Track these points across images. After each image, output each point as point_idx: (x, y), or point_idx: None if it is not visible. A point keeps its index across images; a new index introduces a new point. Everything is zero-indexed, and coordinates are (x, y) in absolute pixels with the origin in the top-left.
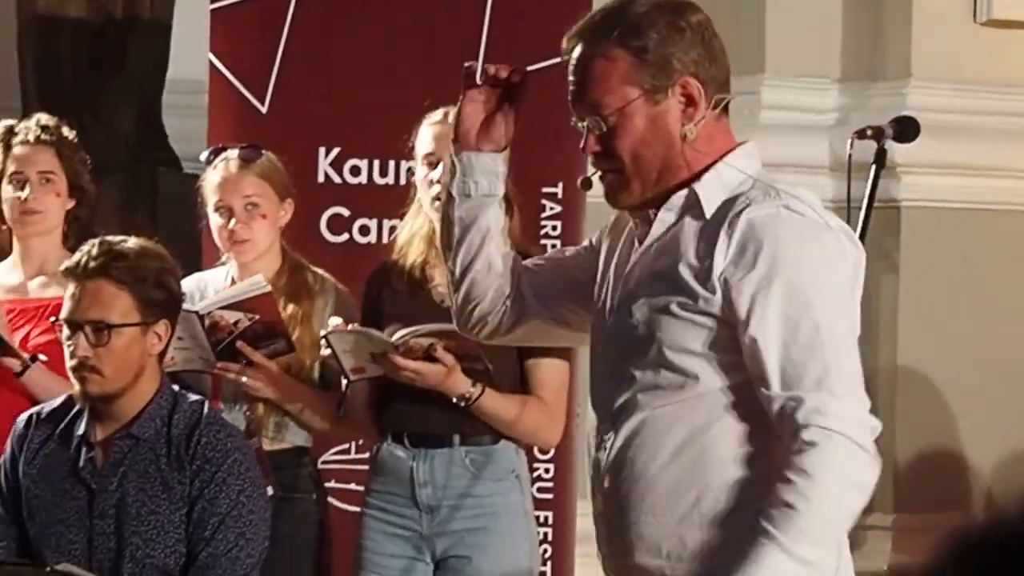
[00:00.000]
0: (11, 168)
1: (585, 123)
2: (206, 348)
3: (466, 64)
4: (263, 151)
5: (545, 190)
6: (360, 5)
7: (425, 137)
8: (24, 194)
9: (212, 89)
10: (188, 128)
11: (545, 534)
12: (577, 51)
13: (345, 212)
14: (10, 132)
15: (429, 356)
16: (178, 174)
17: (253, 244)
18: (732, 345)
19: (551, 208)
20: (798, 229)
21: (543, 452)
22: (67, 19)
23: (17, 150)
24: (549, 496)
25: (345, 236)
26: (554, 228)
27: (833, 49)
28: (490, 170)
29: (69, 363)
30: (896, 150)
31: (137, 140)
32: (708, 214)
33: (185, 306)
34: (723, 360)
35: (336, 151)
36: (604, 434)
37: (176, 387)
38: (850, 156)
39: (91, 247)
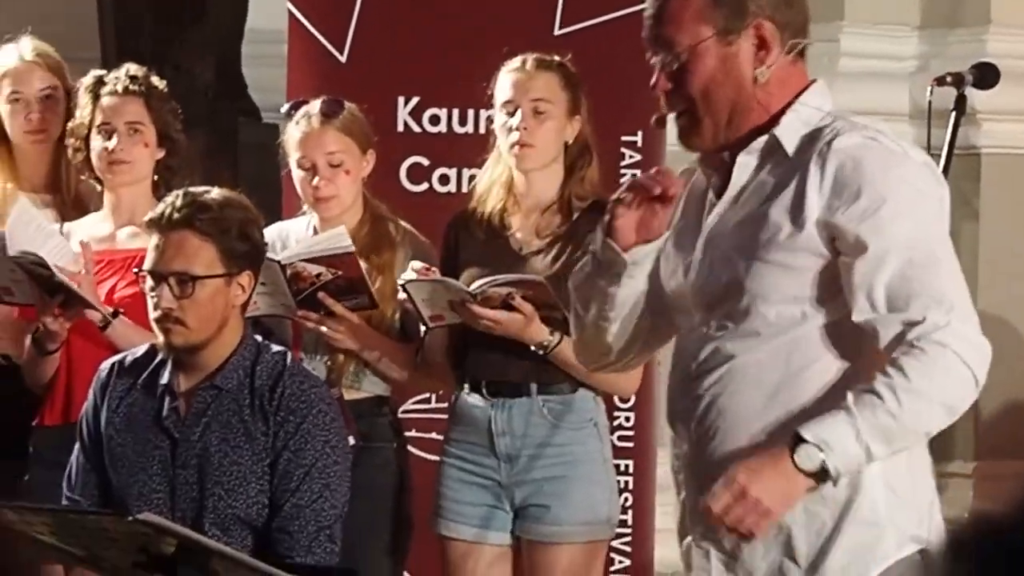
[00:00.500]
0: (99, 119)
1: (658, 60)
2: (287, 296)
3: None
4: (344, 104)
5: (624, 138)
6: None
7: (504, 84)
8: (112, 144)
9: (291, 39)
10: (267, 78)
11: (625, 483)
12: None
13: (425, 161)
14: (99, 82)
15: (507, 305)
16: (258, 124)
17: (338, 200)
18: (825, 284)
19: (630, 156)
20: (891, 159)
21: (623, 400)
22: None
23: (105, 100)
24: (629, 444)
25: (424, 185)
26: (634, 177)
27: None
28: (639, 261)
29: (153, 314)
30: (976, 97)
31: (217, 90)
32: (791, 152)
33: (268, 255)
34: (815, 301)
35: (415, 100)
36: (691, 385)
37: (259, 338)
38: (930, 103)
39: (175, 198)
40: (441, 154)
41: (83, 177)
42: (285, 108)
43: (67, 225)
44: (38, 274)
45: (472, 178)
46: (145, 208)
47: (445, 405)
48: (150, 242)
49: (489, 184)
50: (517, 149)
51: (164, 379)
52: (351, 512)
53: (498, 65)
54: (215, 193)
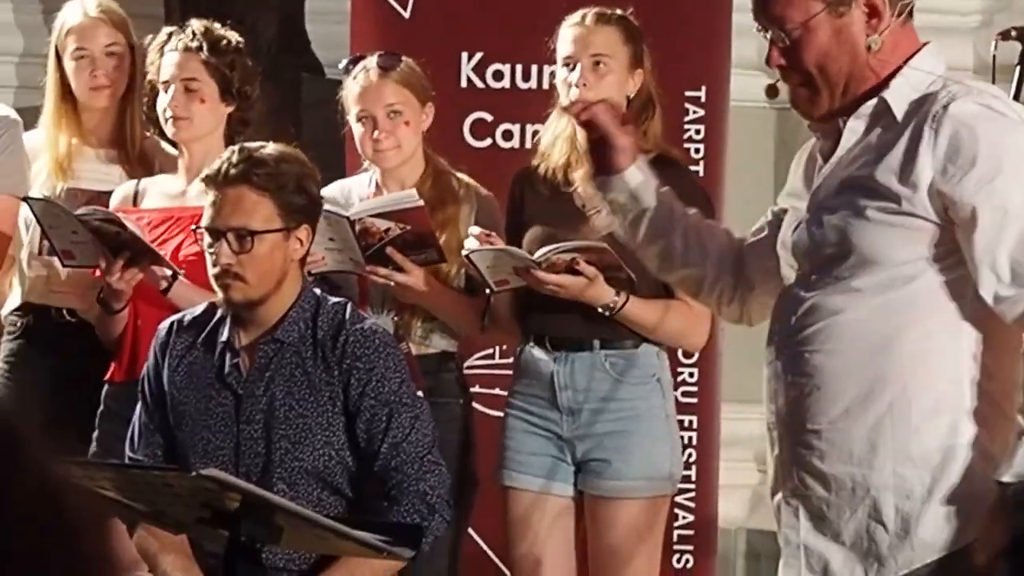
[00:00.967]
0: (161, 76)
1: (769, 35)
2: (356, 251)
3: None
4: (401, 56)
5: (688, 93)
6: None
7: (564, 39)
8: (167, 101)
9: None
10: (331, 34)
11: (689, 438)
12: None
13: (488, 117)
14: (167, 39)
15: (571, 269)
16: (321, 80)
17: (398, 152)
18: (930, 247)
19: (694, 112)
20: (1006, 127)
21: (687, 356)
22: None
23: (166, 57)
24: (693, 400)
25: (488, 141)
26: (697, 132)
27: None
28: (626, 188)
29: (212, 271)
30: None
31: (279, 46)
32: (899, 117)
33: (337, 211)
34: (918, 264)
35: (479, 56)
36: (789, 340)
37: (318, 290)
38: (994, 58)
39: (231, 154)
40: (504, 110)
41: (148, 134)
42: (343, 64)
43: (142, 182)
44: (104, 231)
45: (535, 134)
46: None
47: (509, 360)
48: (207, 199)
49: (552, 139)
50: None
51: (224, 336)
52: None
53: (560, 20)
54: (270, 148)
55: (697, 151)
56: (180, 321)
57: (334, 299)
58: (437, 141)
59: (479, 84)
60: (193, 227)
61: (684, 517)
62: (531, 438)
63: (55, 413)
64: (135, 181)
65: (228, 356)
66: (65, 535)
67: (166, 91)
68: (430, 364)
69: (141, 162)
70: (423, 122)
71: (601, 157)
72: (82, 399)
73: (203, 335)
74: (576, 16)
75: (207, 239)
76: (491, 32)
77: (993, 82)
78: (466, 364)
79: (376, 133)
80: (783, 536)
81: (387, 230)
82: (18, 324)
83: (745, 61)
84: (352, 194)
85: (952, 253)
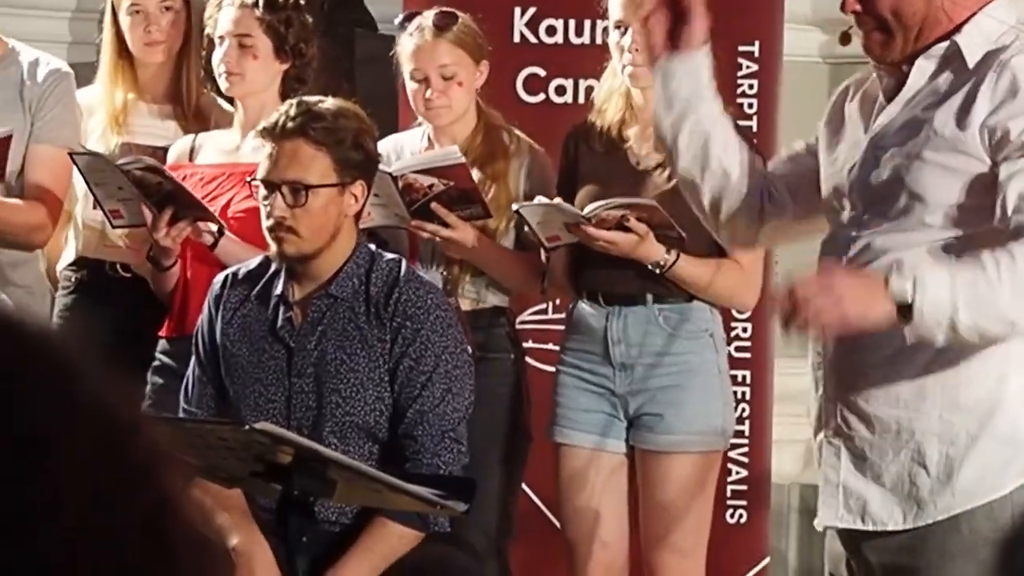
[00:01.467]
0: (217, 31)
1: None
2: (401, 207)
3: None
4: (457, 15)
5: (741, 48)
6: None
7: (615, 3)
8: (222, 56)
9: None
10: None
11: (743, 393)
12: None
13: (541, 72)
14: None
15: (622, 226)
16: (374, 35)
17: (449, 111)
18: (986, 191)
19: (747, 67)
20: None
21: (740, 311)
22: None
23: (222, 12)
24: (747, 355)
25: (541, 96)
26: (751, 87)
27: None
28: (690, 72)
29: (266, 223)
30: None
31: (333, 2)
32: (971, 64)
33: (381, 167)
34: (972, 208)
35: (532, 10)
36: None
37: (372, 246)
38: None
39: (288, 107)
40: (558, 65)
41: (205, 90)
42: (399, 20)
43: (199, 137)
44: (147, 181)
45: (589, 89)
46: None
47: (561, 316)
48: (263, 151)
49: (608, 95)
50: (631, 69)
51: (278, 289)
52: (469, 423)
53: None
54: (329, 103)
55: (750, 106)
56: (235, 274)
57: (389, 255)
58: (490, 96)
59: (532, 39)
60: (248, 179)
61: (737, 472)
62: (583, 395)
63: (109, 367)
64: (191, 136)
65: (282, 310)
66: (130, 478)
67: (221, 46)
68: (482, 319)
69: (197, 118)
70: (477, 80)
71: (661, 36)
72: (136, 354)
73: (257, 288)
74: None
75: (262, 191)
76: None
77: None
78: (519, 319)
79: (428, 92)
80: (823, 475)
81: (431, 186)
82: (72, 279)
83: (798, 16)
84: (404, 149)
85: None
